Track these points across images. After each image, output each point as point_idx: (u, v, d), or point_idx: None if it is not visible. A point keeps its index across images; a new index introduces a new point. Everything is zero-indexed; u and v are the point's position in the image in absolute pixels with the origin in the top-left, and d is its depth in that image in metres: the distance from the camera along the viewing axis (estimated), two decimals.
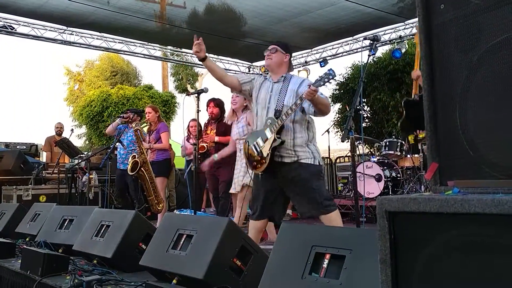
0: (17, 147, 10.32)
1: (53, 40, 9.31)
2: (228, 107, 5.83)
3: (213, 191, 6.22)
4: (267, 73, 3.82)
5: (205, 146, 5.95)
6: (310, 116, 3.61)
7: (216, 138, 5.89)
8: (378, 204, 1.56)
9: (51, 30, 9.16)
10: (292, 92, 3.54)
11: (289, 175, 3.52)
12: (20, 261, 3.63)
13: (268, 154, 3.42)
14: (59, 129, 9.55)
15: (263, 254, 2.85)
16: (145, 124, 6.65)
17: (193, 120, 6.74)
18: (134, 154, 6.07)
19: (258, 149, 3.48)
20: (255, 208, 3.69)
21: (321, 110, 3.48)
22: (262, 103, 3.63)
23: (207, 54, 3.62)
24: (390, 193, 7.04)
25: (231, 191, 5.14)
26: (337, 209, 3.58)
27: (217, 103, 6.05)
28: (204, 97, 5.93)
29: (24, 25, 8.88)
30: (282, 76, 3.65)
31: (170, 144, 8.37)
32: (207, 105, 5.96)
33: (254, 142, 3.54)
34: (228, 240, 2.74)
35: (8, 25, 8.71)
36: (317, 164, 3.58)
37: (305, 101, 3.34)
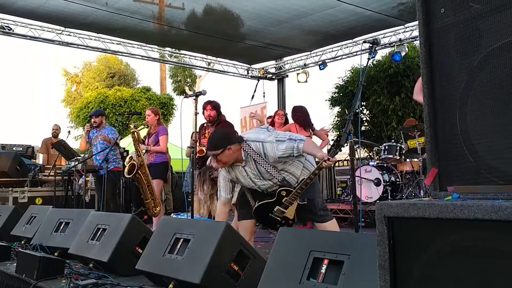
0: (14, 148, 10.27)
1: (51, 41, 9.28)
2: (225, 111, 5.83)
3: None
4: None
5: (204, 150, 5.92)
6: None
7: None
8: (377, 210, 1.55)
9: (48, 31, 9.13)
10: (265, 162, 3.50)
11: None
12: (15, 264, 3.61)
13: (294, 214, 3.51)
14: (56, 131, 9.52)
15: (260, 259, 2.83)
16: (142, 126, 6.63)
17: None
18: (131, 155, 6.05)
19: (281, 216, 3.52)
20: (245, 208, 3.71)
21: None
22: (249, 186, 3.67)
23: None
24: (389, 197, 7.02)
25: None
26: (334, 218, 3.60)
27: (214, 105, 6.01)
28: (202, 100, 5.91)
29: (22, 26, 8.85)
30: (244, 159, 3.55)
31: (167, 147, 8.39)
32: (204, 108, 5.91)
33: (271, 211, 3.53)
34: (226, 244, 2.72)
35: (6, 26, 8.68)
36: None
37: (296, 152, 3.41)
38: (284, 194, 3.48)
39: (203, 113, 5.99)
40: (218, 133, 3.89)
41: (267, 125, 4.05)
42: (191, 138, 7.15)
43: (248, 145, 3.50)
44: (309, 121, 6.66)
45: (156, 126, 6.51)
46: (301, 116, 6.67)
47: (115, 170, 6.35)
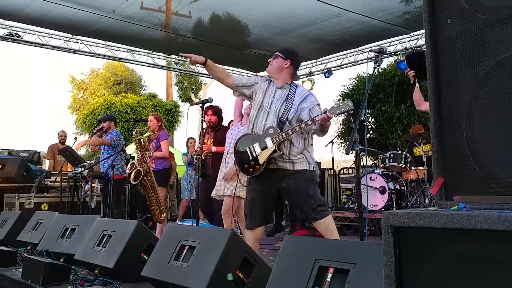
0: (20, 154, 10.32)
1: (58, 48, 9.35)
2: (227, 115, 5.83)
3: (204, 202, 6.18)
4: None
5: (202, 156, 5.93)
6: None
7: (213, 148, 5.85)
8: (384, 219, 1.55)
9: (56, 38, 9.20)
10: (297, 104, 3.55)
11: (285, 181, 3.52)
12: (21, 270, 3.62)
13: (264, 162, 3.46)
14: (63, 137, 9.55)
15: (266, 267, 2.83)
16: (148, 133, 6.65)
17: None
18: (133, 162, 6.07)
19: (254, 154, 3.49)
20: (252, 216, 3.65)
21: (323, 132, 3.53)
22: (263, 107, 3.62)
23: (205, 57, 3.64)
24: (394, 205, 7.00)
25: (212, 194, 5.20)
26: (330, 214, 3.58)
27: (215, 111, 6.02)
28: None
29: (30, 33, 8.92)
30: (287, 83, 3.65)
31: (173, 154, 8.40)
32: (205, 113, 5.93)
33: (250, 145, 3.53)
34: (231, 252, 2.72)
35: (15, 33, 8.75)
36: (312, 169, 3.60)
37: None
38: (270, 132, 3.46)
39: (204, 118, 5.99)
40: (293, 50, 3.92)
41: None
42: (187, 144, 7.19)
43: (296, 86, 3.64)
44: None
45: (157, 132, 6.53)
46: None
47: (117, 178, 6.34)
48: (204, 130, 6.09)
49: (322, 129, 3.48)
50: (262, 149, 3.46)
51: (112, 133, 6.78)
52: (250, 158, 3.50)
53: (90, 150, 7.59)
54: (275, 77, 3.69)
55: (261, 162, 3.45)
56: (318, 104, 3.55)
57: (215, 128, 6.02)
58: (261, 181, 3.59)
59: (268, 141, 3.44)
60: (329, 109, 3.27)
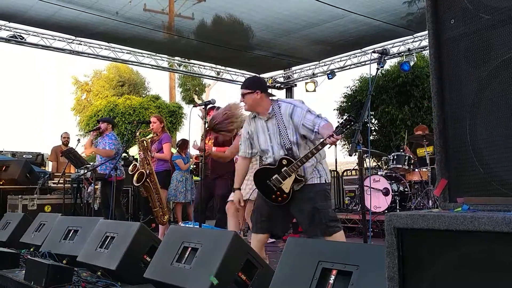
0: (24, 156, 10.35)
1: (62, 50, 9.38)
2: None
3: (199, 201, 6.15)
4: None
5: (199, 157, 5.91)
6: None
7: (213, 149, 5.84)
8: (387, 221, 1.54)
9: (59, 40, 9.23)
10: (289, 123, 3.52)
11: (294, 194, 3.49)
12: (24, 271, 3.62)
13: (290, 190, 3.46)
14: (66, 139, 9.57)
15: (268, 269, 2.83)
16: (151, 135, 6.65)
17: None
18: (135, 163, 6.07)
19: (277, 186, 3.48)
20: (259, 221, 3.64)
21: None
22: (263, 144, 3.64)
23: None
24: (398, 207, 6.97)
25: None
26: (342, 229, 3.53)
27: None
28: None
29: (34, 35, 8.95)
30: (269, 111, 3.61)
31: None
32: (207, 114, 5.91)
33: (269, 179, 3.51)
34: (234, 253, 2.71)
35: (18, 35, 8.78)
36: (323, 182, 3.55)
37: (314, 134, 3.43)
38: (284, 163, 3.44)
39: (206, 118, 5.97)
40: (254, 77, 3.92)
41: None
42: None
43: (279, 105, 3.59)
44: None
45: (160, 134, 6.53)
46: None
47: (117, 180, 6.34)
48: (206, 131, 6.07)
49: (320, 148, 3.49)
50: (283, 179, 3.46)
51: (110, 137, 6.78)
52: (275, 189, 3.49)
53: (86, 155, 7.58)
54: (257, 110, 3.67)
55: (286, 191, 3.46)
56: (308, 111, 3.51)
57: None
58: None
59: (286, 172, 3.44)
60: (334, 131, 3.23)
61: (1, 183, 7.74)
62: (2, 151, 10.73)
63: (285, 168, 3.44)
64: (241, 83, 3.82)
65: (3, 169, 8.01)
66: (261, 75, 12.20)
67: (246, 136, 3.79)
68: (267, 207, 3.59)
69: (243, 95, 3.65)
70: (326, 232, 3.41)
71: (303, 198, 3.47)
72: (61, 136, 9.68)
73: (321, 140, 3.30)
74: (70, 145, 9.20)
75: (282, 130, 3.53)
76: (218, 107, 6.04)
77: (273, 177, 3.48)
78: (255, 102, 3.62)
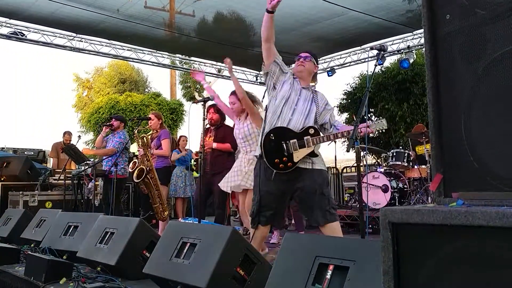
0: (25, 152, 10.37)
1: (63, 47, 9.40)
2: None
3: (199, 197, 6.16)
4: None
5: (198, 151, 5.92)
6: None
7: (214, 145, 5.85)
8: (382, 215, 1.55)
9: (60, 37, 9.25)
10: (320, 108, 3.58)
11: (301, 180, 3.45)
12: (24, 267, 3.64)
13: (298, 161, 3.39)
14: (68, 141, 9.51)
15: (266, 264, 2.84)
16: (151, 132, 6.67)
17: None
18: (135, 161, 6.08)
19: (290, 151, 3.39)
20: (264, 212, 3.56)
21: (340, 138, 3.61)
22: (290, 102, 3.55)
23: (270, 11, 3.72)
24: (397, 204, 6.99)
25: (222, 188, 5.11)
26: (338, 220, 3.57)
27: (217, 109, 6.03)
28: None
29: (35, 32, 8.97)
30: (311, 85, 3.69)
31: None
32: (207, 111, 5.93)
33: (286, 140, 3.41)
34: (232, 249, 2.72)
35: (19, 32, 8.80)
36: (326, 170, 3.61)
37: (334, 122, 3.55)
38: (311, 133, 3.39)
39: (206, 116, 5.98)
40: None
41: None
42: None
43: (315, 90, 3.68)
44: None
45: (159, 131, 6.54)
46: None
47: (119, 177, 6.35)
48: (206, 128, 6.09)
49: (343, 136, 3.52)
50: (300, 147, 3.40)
51: (120, 136, 6.79)
52: (285, 154, 3.40)
53: (96, 147, 7.58)
54: (303, 78, 3.68)
55: (295, 160, 3.37)
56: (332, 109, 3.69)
57: (217, 126, 6.03)
58: (280, 180, 3.49)
59: (308, 141, 3.39)
60: (371, 125, 3.35)
61: (2, 179, 7.77)
62: (4, 148, 10.75)
63: (308, 137, 3.40)
64: (302, 52, 3.83)
65: (4, 165, 8.03)
66: (261, 72, 12.21)
67: (287, 69, 3.81)
68: (272, 196, 3.53)
69: (306, 57, 3.71)
70: (328, 218, 3.40)
71: (312, 184, 3.44)
72: (63, 135, 9.67)
73: (355, 127, 3.22)
74: (71, 141, 9.20)
75: (317, 107, 3.54)
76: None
77: (291, 140, 3.40)
78: (311, 72, 3.71)
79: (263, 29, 3.72)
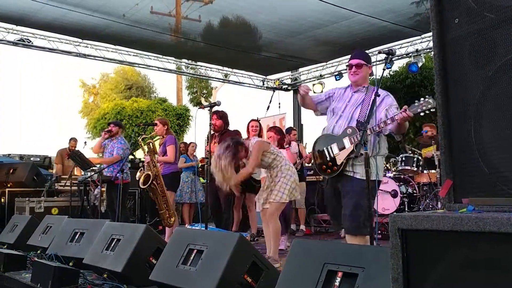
0: (31, 159, 10.42)
1: (69, 53, 9.43)
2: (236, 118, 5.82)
3: (212, 204, 6.15)
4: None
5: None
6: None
7: None
8: (391, 222, 1.53)
9: (66, 43, 9.29)
10: (377, 105, 3.41)
11: (342, 183, 3.45)
12: (30, 273, 3.64)
13: (342, 163, 3.39)
14: (73, 146, 9.50)
15: (274, 271, 2.82)
16: (158, 137, 6.66)
17: (253, 120, 6.63)
18: (141, 168, 6.09)
19: (332, 155, 3.44)
20: (336, 219, 3.60)
21: (398, 133, 3.43)
22: (335, 111, 3.59)
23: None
24: (406, 209, 6.92)
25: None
26: (368, 236, 3.39)
27: (220, 115, 6.04)
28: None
29: (41, 38, 9.01)
30: (364, 86, 3.60)
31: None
32: (210, 118, 5.95)
33: (327, 145, 3.49)
34: (239, 256, 2.71)
35: (25, 38, 8.85)
36: (373, 179, 3.33)
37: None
38: (349, 132, 3.38)
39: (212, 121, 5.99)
40: (365, 51, 3.89)
41: None
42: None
43: (372, 88, 3.50)
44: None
45: (165, 136, 6.53)
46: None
47: (124, 182, 6.35)
48: (211, 134, 6.11)
49: (399, 130, 3.36)
50: (340, 150, 3.40)
51: (120, 141, 6.79)
52: (328, 159, 3.46)
53: (94, 153, 7.58)
54: (363, 84, 3.61)
55: (338, 162, 3.40)
56: (396, 106, 3.46)
57: (221, 132, 6.05)
58: (332, 183, 3.57)
59: (346, 141, 3.38)
60: (409, 108, 3.15)
61: (9, 185, 7.79)
62: (10, 154, 10.80)
63: (346, 137, 3.40)
64: (353, 53, 3.70)
65: (11, 172, 8.05)
66: (268, 77, 12.21)
67: (328, 93, 3.78)
68: (336, 202, 3.54)
69: (359, 65, 3.57)
70: (360, 231, 3.31)
71: (350, 191, 3.38)
72: (69, 142, 9.67)
73: (363, 132, 3.20)
74: (77, 147, 9.22)
75: (362, 107, 3.46)
76: (221, 112, 6.07)
77: (332, 144, 3.45)
78: (365, 76, 3.63)
79: (305, 106, 3.81)
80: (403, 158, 7.36)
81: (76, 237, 4.20)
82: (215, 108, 5.42)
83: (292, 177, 4.68)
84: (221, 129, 6.02)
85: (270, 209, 4.64)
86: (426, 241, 1.46)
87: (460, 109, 1.59)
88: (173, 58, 10.86)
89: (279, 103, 11.99)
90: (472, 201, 1.53)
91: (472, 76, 1.56)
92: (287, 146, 6.87)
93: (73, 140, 9.60)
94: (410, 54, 9.38)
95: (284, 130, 7.34)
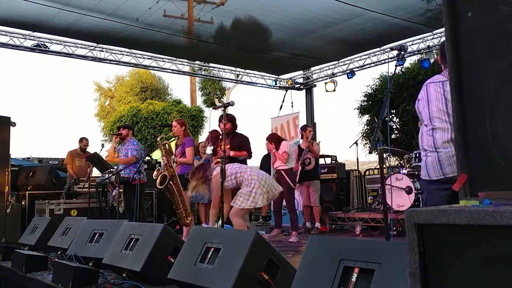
0: (50, 162, 10.56)
1: (84, 57, 9.55)
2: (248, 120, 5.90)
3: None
4: None
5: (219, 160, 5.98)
6: None
7: (231, 153, 5.93)
8: (407, 217, 1.53)
9: (82, 48, 9.40)
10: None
11: None
12: (52, 274, 3.70)
13: None
14: (85, 147, 9.42)
15: (291, 268, 2.83)
16: (173, 138, 6.72)
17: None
18: (158, 168, 6.15)
19: None
20: None
21: None
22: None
23: None
24: (421, 205, 6.88)
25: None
26: None
27: (229, 118, 6.10)
28: (231, 111, 5.98)
29: (57, 43, 9.14)
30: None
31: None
32: (219, 121, 6.03)
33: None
34: (256, 253, 2.72)
35: (42, 44, 8.97)
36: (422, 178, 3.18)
37: None
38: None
39: (219, 125, 6.09)
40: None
41: None
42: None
43: None
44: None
45: (182, 138, 6.59)
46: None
47: (135, 183, 6.42)
48: (220, 137, 6.20)
49: None
50: None
51: (132, 143, 6.86)
52: None
53: (107, 160, 7.62)
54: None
55: None
56: None
57: (230, 135, 6.11)
58: None
59: None
60: None
61: (29, 188, 7.92)
62: (29, 158, 10.97)
63: None
64: (227, 119, 3.78)
65: (31, 175, 8.19)
66: (280, 76, 12.22)
67: None
68: None
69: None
70: None
71: None
72: (81, 141, 9.50)
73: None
74: (92, 150, 9.26)
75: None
76: (230, 115, 6.16)
77: None
78: None
79: None
80: (417, 155, 7.32)
81: (95, 238, 4.26)
82: (237, 110, 5.51)
83: (256, 184, 5.16)
84: (229, 132, 6.11)
85: (232, 210, 5.16)
86: (443, 235, 1.45)
87: (474, 103, 1.58)
88: (186, 60, 10.93)
89: (292, 102, 12.02)
90: (488, 195, 1.52)
91: (486, 69, 1.56)
92: (275, 150, 6.98)
93: (85, 140, 9.36)
94: (422, 51, 9.32)
95: (298, 128, 7.41)
